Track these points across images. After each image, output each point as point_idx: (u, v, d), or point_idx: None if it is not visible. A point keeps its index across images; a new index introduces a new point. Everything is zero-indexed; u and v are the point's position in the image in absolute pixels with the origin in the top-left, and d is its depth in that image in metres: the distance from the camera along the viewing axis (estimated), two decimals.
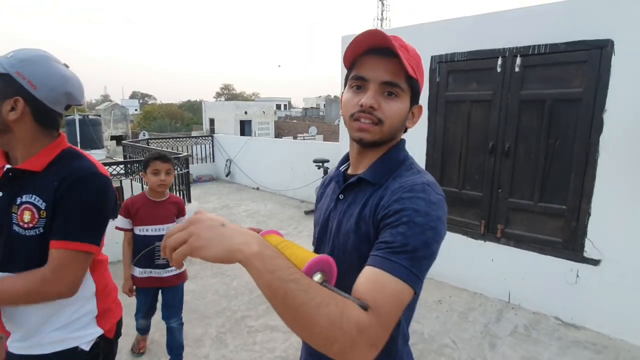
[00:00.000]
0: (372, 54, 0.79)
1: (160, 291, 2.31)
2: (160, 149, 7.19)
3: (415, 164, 0.85)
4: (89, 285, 1.11)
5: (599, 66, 2.63)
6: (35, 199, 1.00)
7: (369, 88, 0.79)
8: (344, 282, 0.68)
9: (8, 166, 1.03)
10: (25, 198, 1.00)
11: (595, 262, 2.81)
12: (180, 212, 2.30)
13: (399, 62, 0.76)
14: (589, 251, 2.83)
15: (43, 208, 1.00)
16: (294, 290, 0.57)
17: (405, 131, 0.88)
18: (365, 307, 0.60)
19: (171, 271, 2.22)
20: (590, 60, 2.66)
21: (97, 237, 1.05)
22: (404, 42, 0.80)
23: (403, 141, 0.88)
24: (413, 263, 0.66)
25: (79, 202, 1.00)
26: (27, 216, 0.99)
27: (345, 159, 0.95)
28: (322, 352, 0.60)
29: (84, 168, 1.05)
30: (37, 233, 0.99)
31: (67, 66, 1.07)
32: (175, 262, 0.61)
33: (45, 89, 0.99)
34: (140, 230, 2.17)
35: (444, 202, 0.75)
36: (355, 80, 0.81)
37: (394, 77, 0.78)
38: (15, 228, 0.99)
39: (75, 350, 1.09)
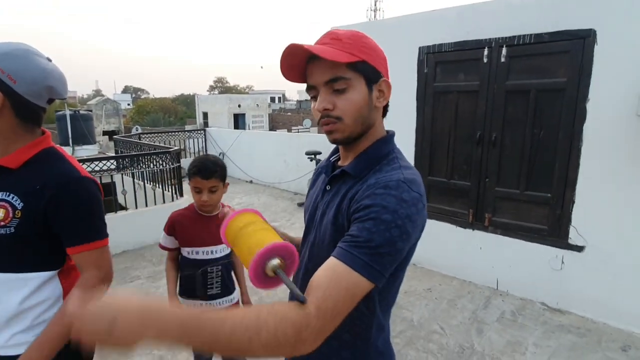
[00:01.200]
0: (310, 61, 0.80)
1: None
2: (153, 143, 7.16)
3: (400, 158, 0.85)
4: (54, 289, 1.09)
5: (582, 56, 2.66)
6: (12, 197, 1.00)
7: (319, 93, 0.81)
8: None
9: None
10: (1, 195, 1.00)
11: (579, 249, 2.88)
12: None
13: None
14: (574, 238, 2.89)
15: (19, 208, 0.99)
16: (218, 342, 0.59)
17: (384, 114, 0.88)
18: (302, 301, 0.62)
19: (225, 302, 1.77)
20: (573, 50, 2.69)
21: (106, 229, 1.14)
22: (336, 34, 0.80)
23: (390, 134, 0.88)
24: (375, 258, 0.68)
25: (80, 206, 1.05)
26: (0, 214, 0.99)
27: (337, 149, 0.96)
28: None
29: (68, 173, 1.05)
30: (8, 232, 0.99)
31: (49, 60, 1.06)
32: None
33: (25, 82, 0.98)
34: (189, 253, 1.71)
35: (419, 200, 0.74)
36: (310, 91, 0.83)
37: (334, 72, 0.78)
38: None
39: None
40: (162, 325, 0.58)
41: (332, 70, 0.77)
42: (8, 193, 1.00)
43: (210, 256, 1.70)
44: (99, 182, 1.14)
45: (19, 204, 1.00)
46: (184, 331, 0.58)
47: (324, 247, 0.83)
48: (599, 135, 2.70)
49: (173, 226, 1.71)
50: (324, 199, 0.89)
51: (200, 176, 1.61)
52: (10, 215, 0.99)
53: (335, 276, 0.67)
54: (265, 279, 0.69)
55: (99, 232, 1.10)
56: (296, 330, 0.62)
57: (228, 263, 1.76)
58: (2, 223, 0.99)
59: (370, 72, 0.80)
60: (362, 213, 0.72)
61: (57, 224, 1.03)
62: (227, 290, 1.75)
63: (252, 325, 0.61)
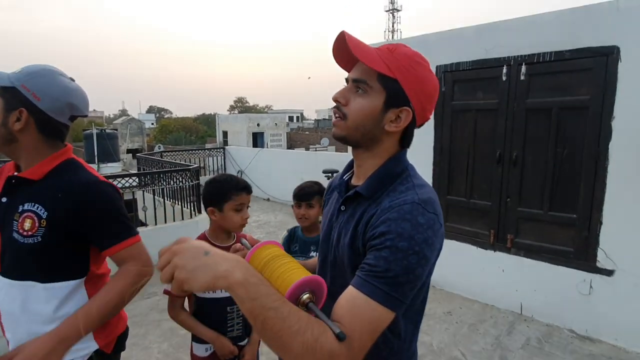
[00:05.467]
0: None
1: None
2: (174, 161, 7.32)
3: (414, 176, 0.83)
4: (81, 299, 1.11)
5: (606, 73, 2.60)
6: (37, 207, 1.04)
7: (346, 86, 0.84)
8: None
9: (15, 174, 1.09)
10: (27, 206, 1.04)
11: (609, 273, 2.74)
12: None
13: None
14: (602, 261, 2.76)
15: (44, 217, 1.03)
16: (273, 318, 0.61)
17: (405, 143, 0.85)
18: (342, 338, 0.61)
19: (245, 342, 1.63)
20: (596, 68, 2.64)
21: (135, 227, 1.17)
22: (395, 47, 0.80)
23: (402, 152, 0.86)
24: (394, 288, 0.68)
25: (106, 208, 1.09)
26: (27, 224, 1.03)
27: (350, 166, 0.95)
28: None
29: (86, 179, 1.10)
30: (36, 241, 1.03)
31: (72, 80, 1.12)
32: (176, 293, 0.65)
33: (49, 100, 1.04)
34: (205, 292, 1.51)
35: (435, 220, 0.72)
36: (345, 82, 0.85)
37: (362, 75, 0.79)
38: (15, 235, 1.03)
39: None
40: (248, 271, 0.64)
41: (363, 72, 0.79)
42: (33, 203, 1.04)
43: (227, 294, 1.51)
44: (116, 185, 1.17)
45: (43, 213, 1.03)
46: (258, 288, 0.63)
47: (344, 269, 0.83)
48: (626, 153, 2.61)
49: None
50: (339, 220, 0.87)
51: (246, 192, 1.56)
52: (37, 225, 1.03)
53: (356, 310, 0.67)
54: None
55: (130, 230, 1.14)
56: (330, 350, 0.63)
57: None
58: (30, 233, 1.02)
59: (396, 93, 0.78)
60: (378, 241, 0.71)
61: (88, 228, 1.07)
62: (248, 330, 1.61)
63: (303, 321, 0.62)
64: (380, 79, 0.78)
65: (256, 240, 0.82)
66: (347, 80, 0.84)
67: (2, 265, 1.07)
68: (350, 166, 0.94)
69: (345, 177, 0.94)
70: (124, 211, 1.15)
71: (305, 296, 0.64)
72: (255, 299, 0.61)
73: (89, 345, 1.13)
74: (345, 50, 0.80)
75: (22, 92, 1.02)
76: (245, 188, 1.56)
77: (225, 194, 1.52)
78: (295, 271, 0.66)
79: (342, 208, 0.87)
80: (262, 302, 0.61)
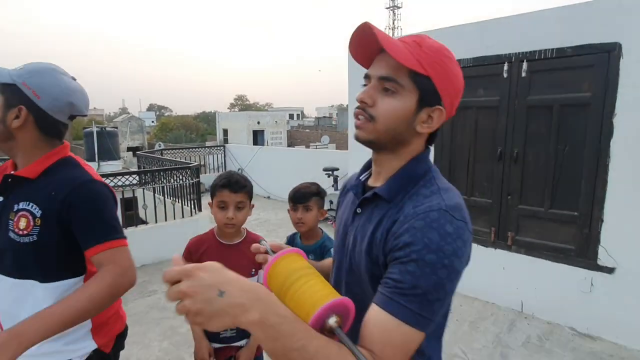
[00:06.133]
0: (382, 51, 0.73)
1: None
2: (174, 159, 7.32)
3: (438, 178, 0.77)
4: None
5: (607, 70, 2.58)
6: (31, 206, 1.03)
7: (370, 84, 0.75)
8: (365, 302, 0.67)
9: (11, 172, 1.08)
10: (22, 205, 1.03)
11: (609, 270, 2.73)
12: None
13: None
14: (603, 259, 2.75)
15: (38, 216, 1.02)
16: (298, 358, 0.56)
17: (430, 141, 0.81)
18: None
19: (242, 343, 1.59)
20: (597, 64, 2.62)
21: (122, 231, 1.11)
22: (422, 40, 0.73)
23: (425, 152, 0.80)
24: (423, 306, 0.63)
25: (92, 208, 1.06)
26: (22, 223, 1.02)
27: (368, 165, 0.88)
28: None
29: (78, 177, 1.08)
30: (31, 240, 1.02)
31: (74, 79, 1.12)
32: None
33: (49, 98, 1.03)
34: None
35: (464, 228, 0.67)
36: (365, 79, 0.77)
37: (391, 72, 0.71)
38: (11, 234, 1.03)
39: None
40: (266, 308, 0.57)
41: (391, 68, 0.71)
42: (28, 202, 1.04)
43: None
44: (110, 186, 1.15)
45: (37, 212, 1.03)
46: (279, 328, 0.56)
47: (361, 277, 0.77)
48: (628, 150, 2.59)
49: (191, 254, 1.50)
50: (354, 223, 0.81)
51: (229, 189, 1.45)
52: (31, 223, 1.02)
53: (386, 334, 0.63)
54: None
55: (113, 232, 1.07)
56: None
57: None
58: (25, 232, 1.02)
59: (429, 91, 0.72)
60: (403, 252, 0.65)
61: (74, 226, 1.04)
62: (243, 332, 1.52)
63: (333, 355, 0.58)
64: (411, 76, 0.71)
65: (278, 246, 0.76)
66: (367, 76, 0.76)
67: (0, 264, 1.07)
68: (368, 165, 0.87)
69: (362, 177, 0.87)
70: (113, 213, 1.10)
71: (332, 321, 0.59)
72: (277, 340, 0.56)
73: (87, 344, 1.12)
74: (365, 43, 0.73)
75: (23, 89, 1.01)
76: (229, 185, 1.45)
77: (214, 188, 1.51)
78: (321, 292, 0.62)
79: (358, 211, 0.81)
80: (283, 343, 0.56)
